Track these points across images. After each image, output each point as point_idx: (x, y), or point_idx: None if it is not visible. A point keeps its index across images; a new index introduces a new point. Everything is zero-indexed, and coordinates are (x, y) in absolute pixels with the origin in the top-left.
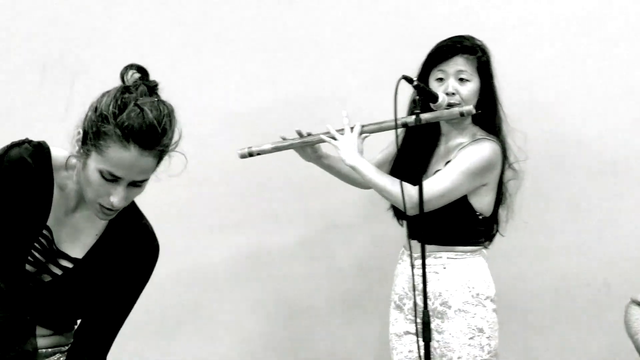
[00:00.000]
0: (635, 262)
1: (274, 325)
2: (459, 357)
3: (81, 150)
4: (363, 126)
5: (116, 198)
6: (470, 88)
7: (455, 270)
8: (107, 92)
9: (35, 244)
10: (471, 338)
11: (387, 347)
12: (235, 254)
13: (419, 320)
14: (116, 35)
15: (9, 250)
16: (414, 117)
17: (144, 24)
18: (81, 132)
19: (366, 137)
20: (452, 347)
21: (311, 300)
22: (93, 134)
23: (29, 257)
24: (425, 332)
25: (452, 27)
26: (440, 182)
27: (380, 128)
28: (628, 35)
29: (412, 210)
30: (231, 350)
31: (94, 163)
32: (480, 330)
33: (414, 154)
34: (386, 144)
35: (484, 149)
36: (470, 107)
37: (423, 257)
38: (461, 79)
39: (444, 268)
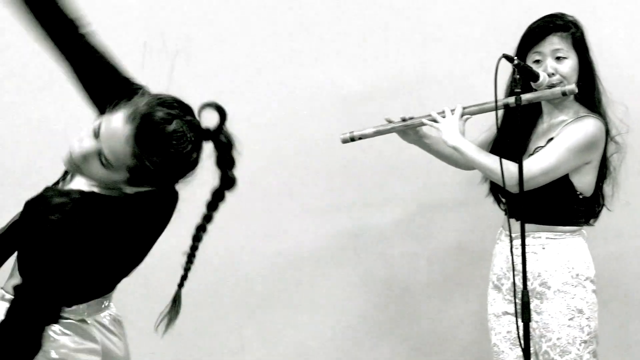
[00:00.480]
0: None
1: (374, 306)
2: (558, 338)
3: None
4: (464, 108)
5: None
6: (569, 65)
7: (555, 251)
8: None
9: None
10: (571, 319)
11: (486, 327)
12: (336, 235)
13: (517, 301)
14: (219, 14)
15: None
16: (514, 98)
17: (246, 4)
18: None
19: (467, 118)
20: (551, 328)
21: (410, 281)
22: None
23: None
24: (525, 313)
25: (550, 6)
26: (545, 159)
27: (480, 109)
28: None
29: (514, 188)
30: (331, 331)
31: None
32: (580, 312)
33: (514, 133)
34: (487, 126)
35: (588, 126)
36: (573, 87)
37: (522, 236)
38: (558, 58)
39: (543, 248)
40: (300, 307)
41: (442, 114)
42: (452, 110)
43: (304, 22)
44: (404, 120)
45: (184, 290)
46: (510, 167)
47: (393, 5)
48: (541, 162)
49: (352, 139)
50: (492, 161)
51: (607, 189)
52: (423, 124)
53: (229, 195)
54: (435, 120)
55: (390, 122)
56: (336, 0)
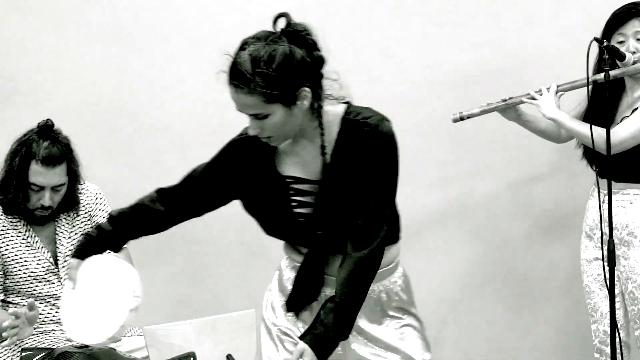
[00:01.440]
0: None
1: (483, 254)
2: None
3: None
4: (558, 86)
5: None
6: None
7: None
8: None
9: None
10: None
11: (579, 271)
12: (449, 199)
13: (605, 248)
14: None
15: (276, 210)
16: (602, 74)
17: None
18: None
19: (561, 95)
20: (637, 271)
21: (512, 232)
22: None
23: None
24: (610, 259)
25: None
26: (632, 125)
27: (573, 86)
28: None
29: (611, 150)
30: (442, 277)
31: None
32: None
33: (603, 105)
34: (575, 103)
35: None
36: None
37: (609, 192)
38: (639, 39)
39: (631, 203)
40: (417, 257)
41: (539, 92)
42: (548, 88)
43: (421, 11)
44: (504, 100)
45: None
46: (602, 133)
47: None
48: (629, 128)
49: (462, 118)
50: (586, 128)
51: None
52: (523, 102)
53: None
54: (533, 98)
55: (490, 103)
56: None
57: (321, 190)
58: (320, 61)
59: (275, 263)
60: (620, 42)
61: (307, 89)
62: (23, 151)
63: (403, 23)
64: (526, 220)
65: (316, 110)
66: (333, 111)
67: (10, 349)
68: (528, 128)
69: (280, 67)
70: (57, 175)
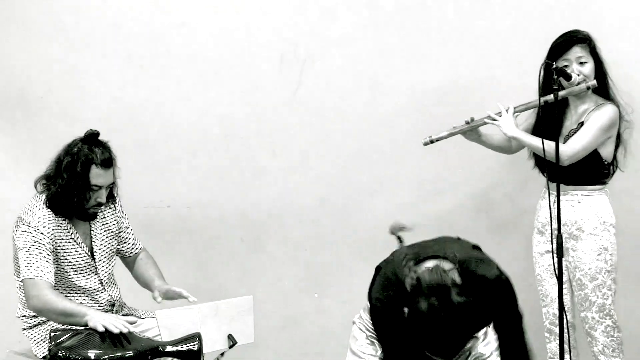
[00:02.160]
0: None
1: None
2: (589, 269)
3: None
4: (515, 107)
5: None
6: (589, 68)
7: (588, 204)
8: None
9: None
10: (599, 255)
11: (531, 262)
12: (430, 209)
13: (554, 240)
14: (329, 29)
15: None
16: (552, 95)
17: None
18: None
19: (517, 115)
20: (584, 261)
21: (471, 228)
22: None
23: None
24: (559, 250)
25: (574, 23)
26: (584, 139)
27: (527, 107)
28: None
29: (567, 161)
30: None
31: None
32: (605, 249)
33: (552, 121)
34: (522, 119)
35: (609, 110)
36: (594, 82)
37: (558, 194)
38: (581, 62)
39: (579, 202)
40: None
41: (499, 113)
42: (506, 110)
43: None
44: (467, 122)
45: None
46: (561, 146)
47: (455, 14)
48: (581, 141)
49: (432, 141)
50: (540, 142)
51: (620, 156)
52: (486, 123)
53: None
54: (494, 119)
55: (456, 127)
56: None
57: None
58: None
59: (270, 256)
60: (565, 66)
61: None
62: (82, 159)
63: (383, 46)
64: (487, 219)
65: None
66: None
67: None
68: (484, 145)
69: None
70: (111, 175)
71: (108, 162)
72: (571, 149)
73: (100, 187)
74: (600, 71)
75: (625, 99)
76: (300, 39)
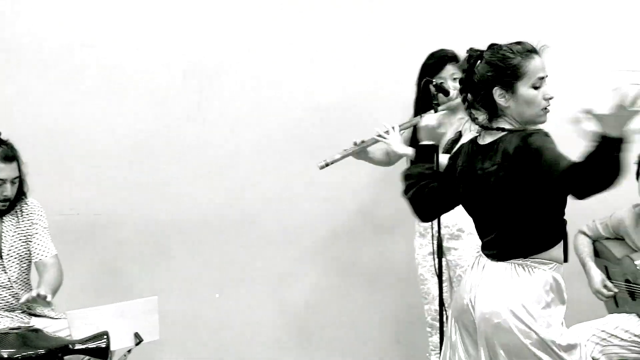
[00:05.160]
0: None
1: (341, 252)
2: (469, 265)
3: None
4: (400, 126)
5: None
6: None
7: None
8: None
9: None
10: (478, 252)
11: (414, 263)
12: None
13: (434, 241)
14: (235, 47)
15: None
16: (433, 111)
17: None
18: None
19: (403, 132)
20: (465, 259)
21: (359, 231)
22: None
23: None
24: (439, 251)
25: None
26: None
27: (411, 124)
28: None
29: None
30: (315, 270)
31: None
32: None
33: None
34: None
35: None
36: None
37: None
38: (454, 78)
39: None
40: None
41: (387, 132)
42: (393, 128)
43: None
44: (356, 144)
45: None
46: (443, 158)
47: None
48: None
49: (327, 165)
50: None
51: None
52: (376, 142)
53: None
54: (384, 137)
55: (347, 149)
56: (310, 16)
57: None
58: None
59: (174, 259)
60: (441, 84)
61: None
62: None
63: (283, 62)
64: (373, 223)
65: None
66: None
67: None
68: (369, 161)
69: None
70: (13, 170)
71: (8, 156)
72: None
73: (4, 181)
74: None
75: None
76: (203, 55)
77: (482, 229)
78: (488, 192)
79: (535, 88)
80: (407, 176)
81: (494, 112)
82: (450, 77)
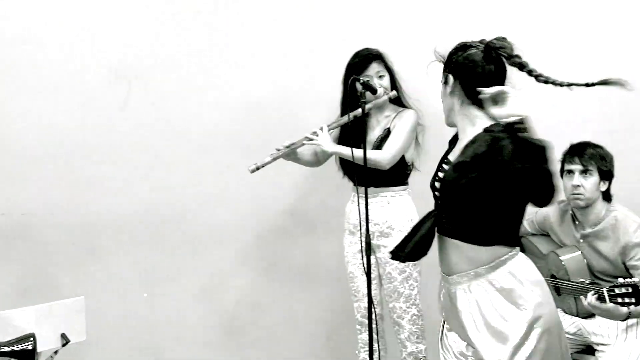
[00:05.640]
0: None
1: (273, 252)
2: (398, 262)
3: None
4: (328, 126)
5: None
6: (387, 80)
7: (396, 204)
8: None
9: None
10: None
11: (343, 261)
12: (233, 214)
13: (363, 239)
14: (162, 48)
15: None
16: (360, 109)
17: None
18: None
19: (332, 132)
20: None
21: (286, 229)
22: None
23: None
24: (368, 249)
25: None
26: (398, 143)
27: (339, 124)
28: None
29: (388, 165)
30: (255, 268)
31: None
32: None
33: (359, 130)
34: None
35: (411, 115)
36: (394, 92)
37: (366, 197)
38: (380, 76)
39: (388, 203)
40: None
41: (315, 133)
42: (321, 129)
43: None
44: (286, 146)
45: None
46: (376, 154)
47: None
48: (396, 145)
49: (258, 168)
50: (350, 152)
51: (416, 157)
52: (304, 144)
53: None
54: (312, 139)
55: (278, 150)
56: (244, 16)
57: None
58: None
59: (102, 259)
60: (367, 81)
61: None
62: None
63: (208, 63)
64: (303, 222)
65: None
66: None
67: None
68: (298, 162)
69: None
70: None
71: None
72: (390, 153)
73: None
74: (394, 83)
75: (415, 106)
76: (133, 54)
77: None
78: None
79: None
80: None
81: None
82: (376, 75)
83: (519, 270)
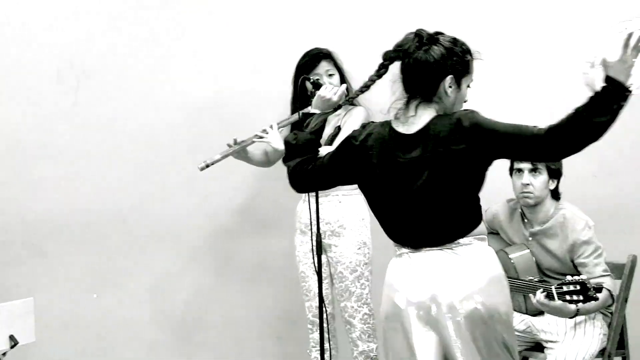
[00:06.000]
0: None
1: (226, 251)
2: (350, 262)
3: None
4: (278, 123)
5: None
6: (337, 79)
7: (348, 203)
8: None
9: None
10: (359, 249)
11: (295, 261)
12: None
13: (314, 238)
14: (109, 46)
15: None
16: (310, 107)
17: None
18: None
19: (282, 130)
20: (346, 255)
21: (236, 228)
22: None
23: None
24: (319, 249)
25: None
26: None
27: (289, 122)
28: None
29: None
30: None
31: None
32: (364, 244)
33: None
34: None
35: (361, 112)
36: (344, 88)
37: (317, 196)
38: (330, 75)
39: (340, 202)
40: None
41: (264, 131)
42: (271, 126)
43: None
44: (237, 143)
45: None
46: (327, 150)
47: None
48: None
49: (207, 166)
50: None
51: None
52: (254, 142)
53: None
54: (262, 136)
55: (230, 146)
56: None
57: None
58: None
59: (50, 260)
60: (317, 80)
61: None
62: None
63: (150, 61)
64: (254, 221)
65: None
66: None
67: None
68: (248, 162)
69: None
70: None
71: None
72: None
73: None
74: (343, 81)
75: (363, 103)
76: (78, 54)
77: (400, 219)
78: (416, 180)
79: (468, 87)
80: (293, 141)
81: (429, 97)
82: (325, 74)
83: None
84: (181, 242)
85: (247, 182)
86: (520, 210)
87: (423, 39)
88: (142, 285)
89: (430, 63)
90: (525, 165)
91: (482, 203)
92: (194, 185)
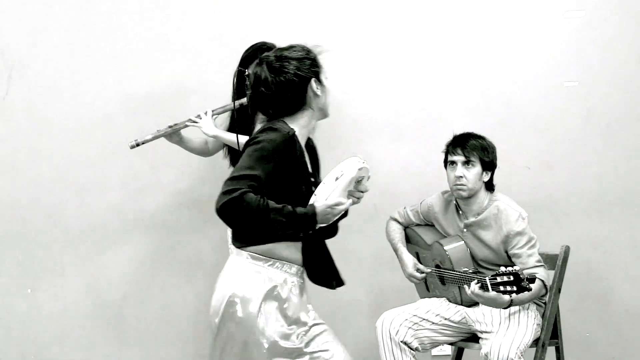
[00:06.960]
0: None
1: (168, 247)
2: None
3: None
4: (213, 110)
5: None
6: None
7: None
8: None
9: None
10: None
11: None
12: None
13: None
14: (40, 37)
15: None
16: (245, 98)
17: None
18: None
19: (216, 117)
20: None
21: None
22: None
23: None
24: None
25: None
26: None
27: (224, 110)
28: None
29: None
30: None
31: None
32: None
33: (245, 119)
34: (220, 122)
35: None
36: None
37: None
38: None
39: None
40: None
41: (198, 116)
42: (205, 113)
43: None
44: (170, 126)
45: None
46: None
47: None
48: None
49: (137, 144)
50: (241, 137)
51: None
52: (187, 126)
53: None
54: (195, 122)
55: (159, 130)
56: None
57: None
58: None
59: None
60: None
61: None
62: None
63: (89, 53)
64: (191, 214)
65: None
66: None
67: None
68: (186, 148)
69: None
70: None
71: None
72: None
73: None
74: None
75: None
76: (9, 46)
77: None
78: None
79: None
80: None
81: (299, 107)
82: None
83: None
84: (117, 235)
85: (183, 173)
86: (454, 202)
87: (271, 64)
88: (79, 279)
89: (290, 80)
90: (459, 158)
91: (418, 195)
92: (129, 178)
